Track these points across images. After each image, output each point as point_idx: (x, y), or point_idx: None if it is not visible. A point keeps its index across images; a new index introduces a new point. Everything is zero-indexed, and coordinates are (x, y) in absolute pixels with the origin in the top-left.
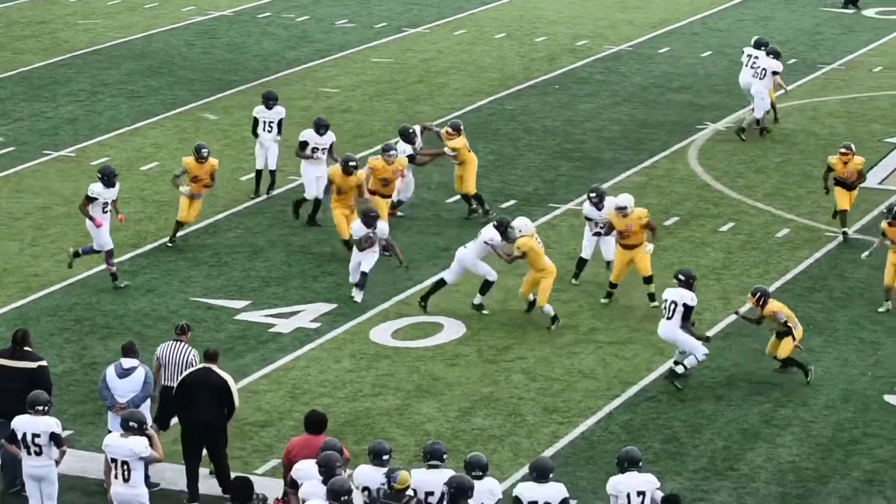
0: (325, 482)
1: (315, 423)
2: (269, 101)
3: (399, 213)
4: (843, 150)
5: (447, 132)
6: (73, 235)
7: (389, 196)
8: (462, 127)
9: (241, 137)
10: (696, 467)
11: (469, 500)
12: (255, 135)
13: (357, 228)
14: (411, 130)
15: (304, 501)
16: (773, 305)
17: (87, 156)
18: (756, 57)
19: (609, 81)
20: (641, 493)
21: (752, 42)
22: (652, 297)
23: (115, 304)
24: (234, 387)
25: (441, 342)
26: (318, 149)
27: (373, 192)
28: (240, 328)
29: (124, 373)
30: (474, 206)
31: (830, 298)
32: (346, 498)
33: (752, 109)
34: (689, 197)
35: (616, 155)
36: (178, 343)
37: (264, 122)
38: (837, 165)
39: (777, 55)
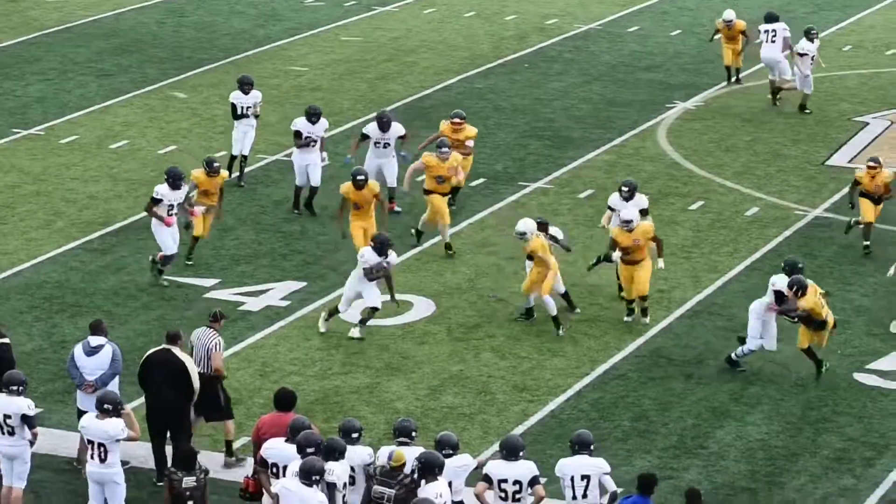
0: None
1: (284, 401)
2: (245, 85)
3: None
4: (870, 164)
5: (453, 123)
6: (43, 214)
7: (447, 194)
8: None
9: (210, 116)
10: (665, 445)
11: (439, 477)
12: (236, 118)
13: (369, 255)
14: (385, 119)
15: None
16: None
17: (56, 134)
18: (774, 31)
19: (578, 60)
20: (586, 478)
21: (765, 17)
22: (645, 311)
23: (84, 283)
24: (193, 369)
25: (411, 320)
26: (310, 137)
27: (428, 192)
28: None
29: (92, 350)
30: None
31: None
32: (317, 478)
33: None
34: (658, 175)
35: (585, 133)
36: (208, 329)
37: (242, 108)
38: (865, 179)
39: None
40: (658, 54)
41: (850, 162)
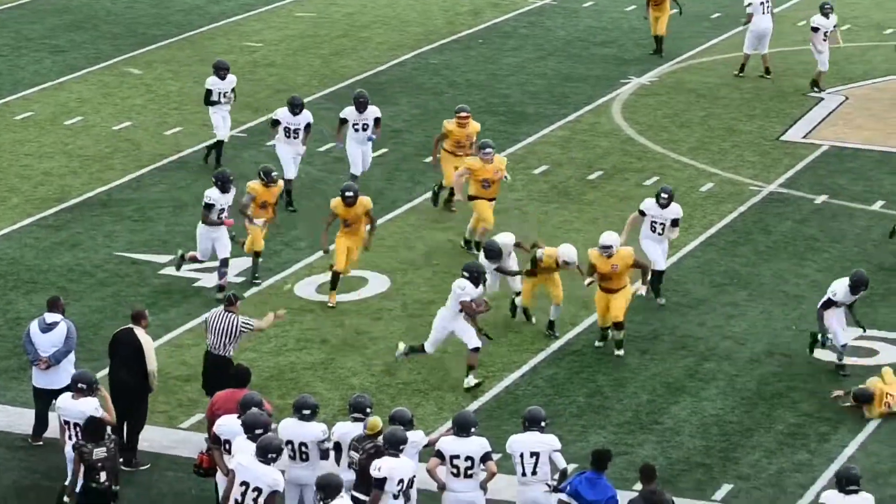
0: (253, 439)
1: (239, 377)
2: (221, 70)
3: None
4: None
5: (459, 118)
6: None
7: (494, 199)
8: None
9: (164, 92)
10: (620, 421)
11: (400, 454)
12: (209, 104)
13: (469, 289)
14: (363, 99)
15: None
16: None
17: (10, 110)
18: (769, 1)
19: (533, 35)
20: (535, 455)
21: None
22: (620, 344)
23: (39, 259)
24: (148, 349)
25: (366, 296)
26: (289, 129)
27: (473, 198)
28: (164, 283)
29: (47, 327)
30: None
31: (755, 252)
32: (273, 455)
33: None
34: (612, 151)
35: (540, 109)
36: (227, 312)
37: (219, 93)
38: None
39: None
40: (613, 29)
41: (804, 137)
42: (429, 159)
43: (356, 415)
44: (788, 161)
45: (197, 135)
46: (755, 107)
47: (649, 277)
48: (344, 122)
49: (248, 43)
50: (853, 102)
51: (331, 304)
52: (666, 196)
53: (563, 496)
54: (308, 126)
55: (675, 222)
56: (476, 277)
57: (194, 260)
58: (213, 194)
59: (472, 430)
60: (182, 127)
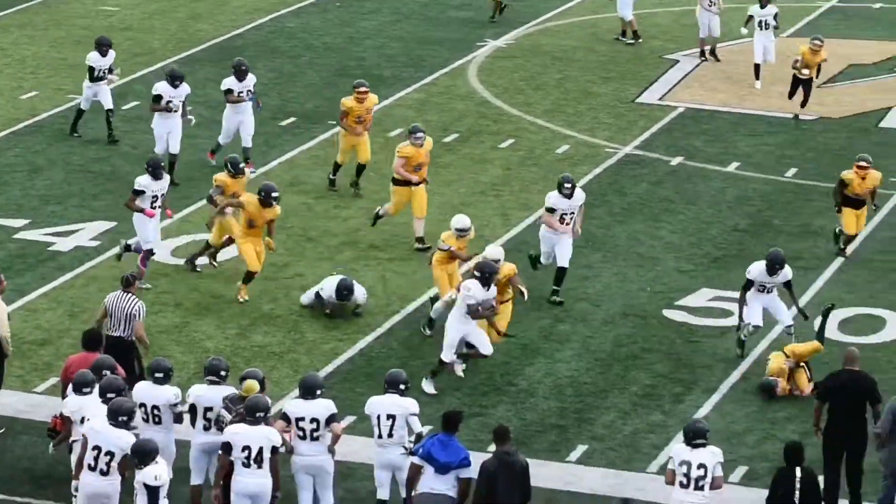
0: (106, 402)
1: (92, 341)
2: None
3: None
4: (861, 164)
5: (358, 92)
6: None
7: (423, 182)
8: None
9: (20, 56)
10: (474, 383)
11: (262, 422)
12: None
13: (476, 290)
14: (244, 67)
15: (84, 420)
16: None
17: None
18: None
19: None
20: (392, 417)
21: None
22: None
23: None
24: (0, 314)
25: (221, 260)
26: (171, 101)
27: (404, 182)
28: (19, 247)
29: None
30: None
31: (609, 214)
32: (124, 419)
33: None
34: (468, 114)
35: (397, 72)
36: (126, 293)
37: (237, 91)
38: (854, 180)
39: None
40: None
41: (660, 99)
42: (285, 123)
43: (211, 377)
44: (644, 123)
45: (52, 99)
46: (611, 69)
47: (526, 297)
48: (230, 91)
49: (104, 7)
50: (709, 65)
51: (241, 300)
52: (569, 186)
53: (416, 459)
54: (186, 98)
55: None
56: (487, 278)
57: (150, 254)
58: (143, 181)
59: (318, 392)
60: (38, 91)
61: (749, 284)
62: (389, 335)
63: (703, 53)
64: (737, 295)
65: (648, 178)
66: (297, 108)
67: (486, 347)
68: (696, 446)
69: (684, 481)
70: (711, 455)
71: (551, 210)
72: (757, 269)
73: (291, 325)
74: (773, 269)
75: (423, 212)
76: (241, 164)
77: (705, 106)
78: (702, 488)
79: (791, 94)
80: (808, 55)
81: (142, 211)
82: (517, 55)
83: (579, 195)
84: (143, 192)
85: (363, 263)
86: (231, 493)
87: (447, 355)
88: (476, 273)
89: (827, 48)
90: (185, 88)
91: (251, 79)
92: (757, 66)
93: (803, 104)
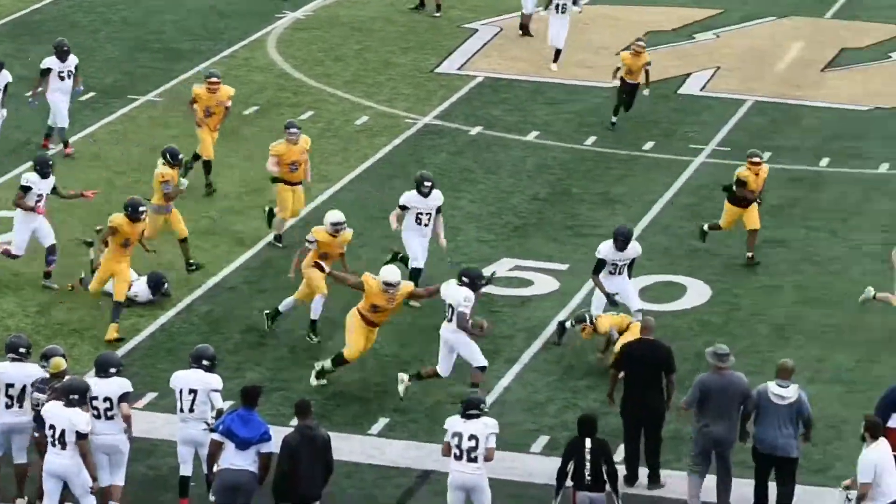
0: None
1: None
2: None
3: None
4: (755, 160)
5: (210, 83)
6: None
7: (300, 183)
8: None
9: None
10: (276, 356)
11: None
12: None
13: (472, 297)
14: (66, 48)
15: None
16: None
17: None
18: None
19: None
20: (193, 392)
21: None
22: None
23: None
24: None
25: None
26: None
27: (277, 180)
28: None
29: None
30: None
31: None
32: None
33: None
34: (267, 86)
35: (196, 45)
36: None
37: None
38: (750, 178)
39: None
40: None
41: (459, 69)
42: (85, 98)
43: (12, 355)
44: (443, 93)
45: None
46: (410, 40)
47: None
48: (48, 71)
49: None
50: (507, 34)
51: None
52: (428, 184)
53: (217, 435)
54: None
55: (438, 209)
56: (475, 283)
57: (7, 254)
58: (31, 177)
59: (112, 370)
60: None
61: (601, 264)
62: (190, 310)
63: (523, 28)
64: (537, 264)
65: (448, 147)
66: (96, 83)
67: (478, 360)
68: (469, 417)
69: (458, 453)
70: (484, 426)
71: (404, 208)
72: (606, 248)
73: (93, 303)
74: (620, 243)
75: (295, 213)
76: (181, 156)
77: (504, 75)
78: (475, 459)
79: (615, 110)
80: (629, 60)
81: (32, 209)
82: (316, 27)
83: (436, 195)
84: (30, 189)
85: (164, 239)
86: None
87: (444, 371)
88: (465, 280)
89: (622, 14)
90: (73, 59)
91: (73, 59)
92: (557, 51)
93: (626, 109)
